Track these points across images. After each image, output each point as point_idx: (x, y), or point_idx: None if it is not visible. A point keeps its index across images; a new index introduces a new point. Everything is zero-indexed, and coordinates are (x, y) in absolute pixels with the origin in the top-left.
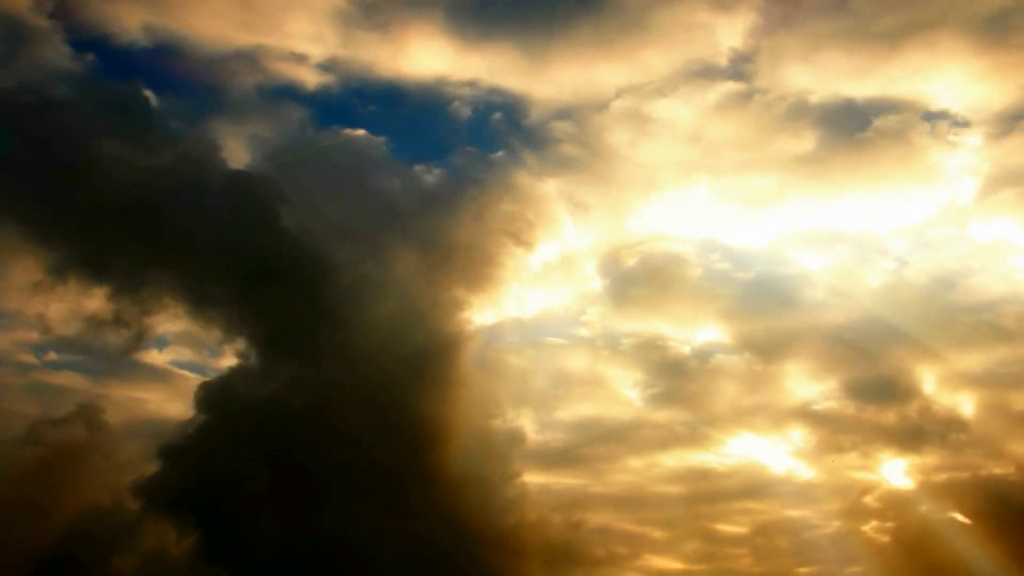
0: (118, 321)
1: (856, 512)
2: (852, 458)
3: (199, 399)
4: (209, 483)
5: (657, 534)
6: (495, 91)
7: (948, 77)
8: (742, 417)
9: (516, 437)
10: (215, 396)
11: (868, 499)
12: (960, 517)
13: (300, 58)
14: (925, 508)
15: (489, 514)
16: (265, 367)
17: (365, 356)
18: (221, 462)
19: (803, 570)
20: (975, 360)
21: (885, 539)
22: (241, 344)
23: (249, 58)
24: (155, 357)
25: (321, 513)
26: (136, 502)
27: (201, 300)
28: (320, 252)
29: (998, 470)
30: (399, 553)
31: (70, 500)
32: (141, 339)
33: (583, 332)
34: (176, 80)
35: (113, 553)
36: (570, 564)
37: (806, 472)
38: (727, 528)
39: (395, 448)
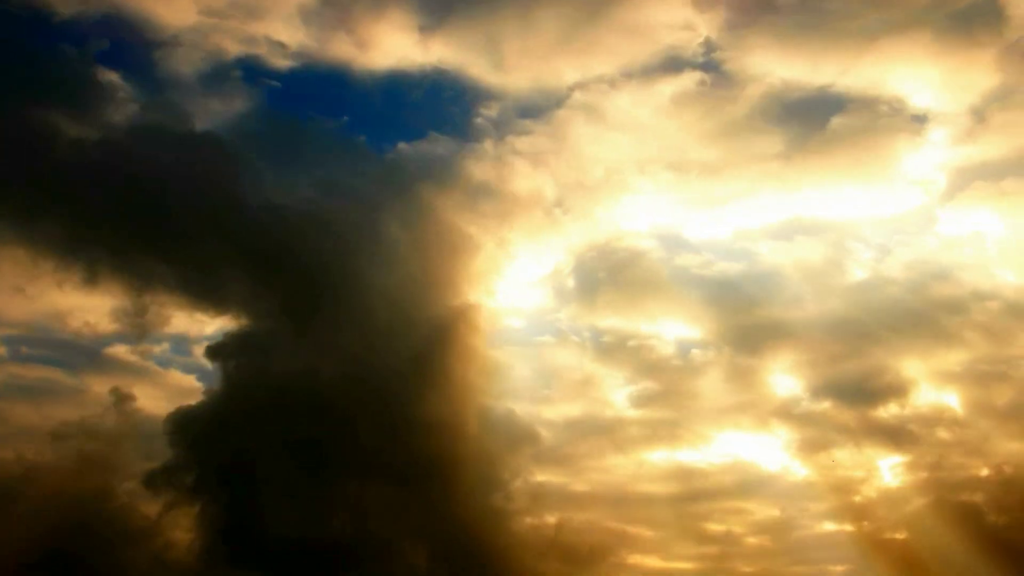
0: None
1: (845, 510)
2: (840, 456)
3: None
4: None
5: (635, 532)
6: (459, 81)
7: (919, 73)
8: (724, 415)
9: (527, 434)
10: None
11: (857, 497)
12: (949, 514)
13: (265, 42)
14: (914, 505)
15: (490, 510)
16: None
17: (360, 348)
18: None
19: (793, 569)
20: (959, 356)
21: (874, 537)
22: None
23: (211, 37)
24: (126, 352)
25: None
26: (148, 491)
27: (188, 282)
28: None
29: (986, 467)
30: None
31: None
32: (144, 332)
33: (557, 329)
34: (130, 56)
35: (115, 547)
36: (557, 562)
37: (793, 470)
38: (716, 527)
39: (392, 440)
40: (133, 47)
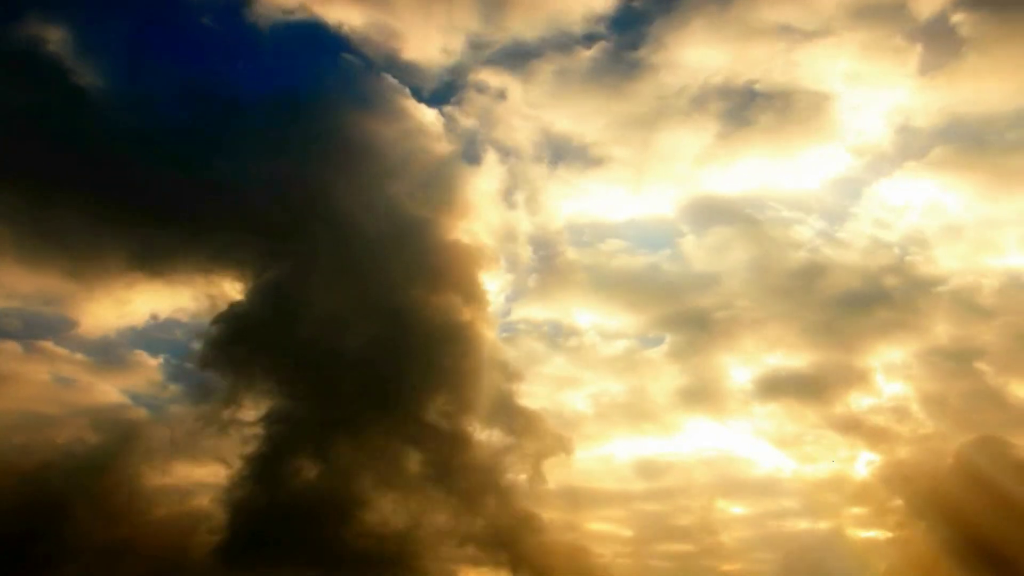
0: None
1: (817, 505)
2: (815, 451)
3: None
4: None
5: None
6: (371, 49)
7: (840, 59)
8: (684, 408)
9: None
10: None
11: (834, 494)
12: (927, 508)
13: None
14: (888, 499)
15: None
16: None
17: None
18: None
19: (763, 567)
20: (918, 343)
21: (849, 531)
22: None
23: None
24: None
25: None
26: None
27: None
28: None
29: (964, 458)
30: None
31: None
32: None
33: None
34: None
35: None
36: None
37: (763, 463)
38: (684, 522)
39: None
40: None
